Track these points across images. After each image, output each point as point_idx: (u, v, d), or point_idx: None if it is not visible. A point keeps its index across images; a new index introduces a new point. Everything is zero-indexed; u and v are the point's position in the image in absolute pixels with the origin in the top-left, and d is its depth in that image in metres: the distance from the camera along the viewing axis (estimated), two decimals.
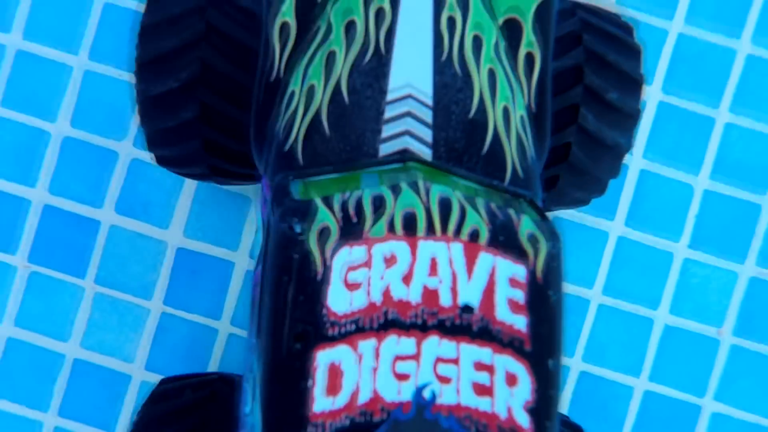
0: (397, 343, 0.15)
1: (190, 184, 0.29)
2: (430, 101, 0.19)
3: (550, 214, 0.29)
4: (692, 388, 0.29)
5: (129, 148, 0.29)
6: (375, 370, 0.15)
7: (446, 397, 0.15)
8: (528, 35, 0.21)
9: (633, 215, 0.29)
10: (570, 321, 0.29)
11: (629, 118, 0.23)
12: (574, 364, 0.29)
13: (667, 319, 0.29)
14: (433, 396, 0.15)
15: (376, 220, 0.16)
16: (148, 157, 0.29)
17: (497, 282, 0.16)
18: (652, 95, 0.29)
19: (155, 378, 0.28)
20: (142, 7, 0.29)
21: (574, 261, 0.29)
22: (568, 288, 0.29)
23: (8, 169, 0.29)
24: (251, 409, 0.17)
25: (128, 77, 0.29)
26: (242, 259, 0.29)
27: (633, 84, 0.23)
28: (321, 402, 0.15)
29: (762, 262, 0.29)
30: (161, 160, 0.23)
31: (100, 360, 0.29)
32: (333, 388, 0.15)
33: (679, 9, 0.30)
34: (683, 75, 0.30)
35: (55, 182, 0.29)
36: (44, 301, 0.29)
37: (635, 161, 0.29)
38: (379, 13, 0.19)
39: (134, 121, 0.29)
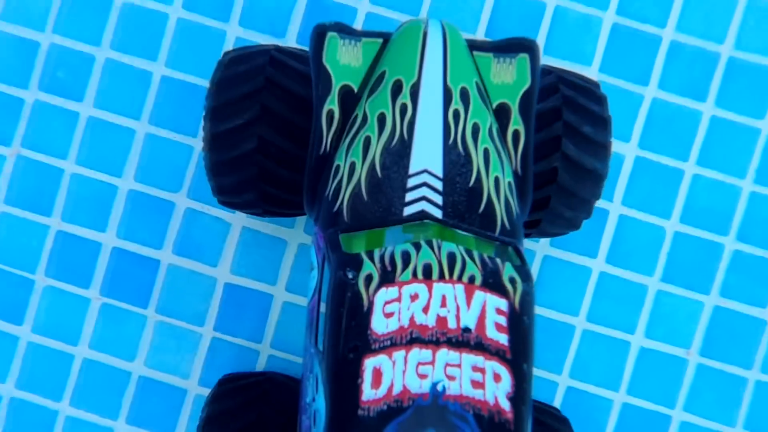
0: (419, 354, 0.21)
1: (235, 229, 0.34)
2: (440, 174, 0.24)
3: (543, 249, 0.34)
4: (664, 401, 0.34)
5: (184, 200, 0.34)
6: (404, 371, 0.20)
7: (453, 389, 0.20)
8: (515, 117, 0.26)
9: (612, 254, 0.34)
10: (558, 344, 0.34)
11: (602, 147, 0.28)
12: (562, 380, 0.34)
13: (642, 342, 0.34)
14: (444, 389, 0.20)
15: (404, 269, 0.21)
16: (200, 207, 0.34)
17: (487, 311, 0.21)
18: (629, 151, 0.34)
19: (207, 392, 0.34)
20: (194, 79, 0.34)
21: (562, 293, 0.34)
22: (558, 316, 0.34)
23: (84, 217, 0.34)
24: (313, 398, 0.23)
25: (183, 139, 0.34)
26: (280, 292, 0.34)
27: (602, 123, 0.28)
28: (368, 393, 0.20)
29: (724, 293, 0.34)
30: (221, 190, 0.28)
31: (161, 377, 0.34)
32: (376, 383, 0.20)
33: (653, 77, 0.34)
34: (656, 133, 0.34)
35: (123, 228, 0.34)
36: (114, 327, 0.34)
37: (615, 207, 0.34)
38: (403, 107, 0.24)
39: (188, 176, 0.34)
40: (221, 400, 0.28)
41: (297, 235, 0.34)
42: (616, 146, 0.34)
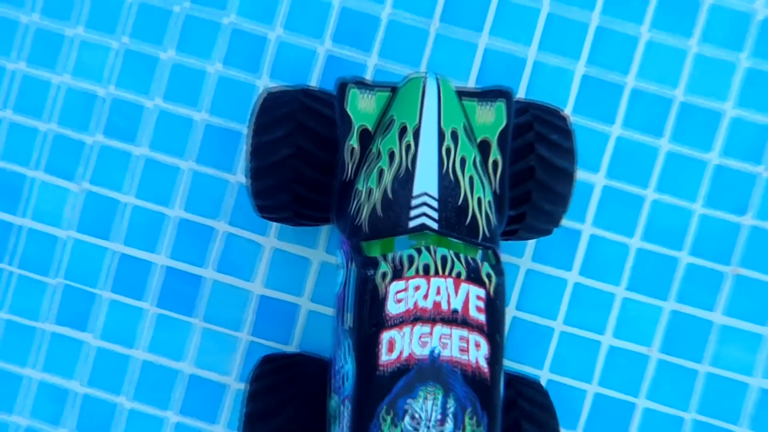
0: (421, 329, 0.27)
1: (267, 250, 0.40)
2: (436, 196, 0.31)
3: (526, 263, 0.40)
4: (629, 391, 0.41)
5: (224, 225, 0.40)
6: (410, 341, 0.27)
7: (445, 354, 0.27)
8: (494, 150, 0.32)
9: (585, 267, 0.41)
10: (539, 344, 0.40)
11: (569, 152, 0.34)
12: (543, 374, 0.41)
13: (611, 342, 0.41)
14: (439, 353, 0.27)
15: (409, 268, 0.28)
16: (237, 231, 0.40)
17: (470, 298, 0.28)
18: (598, 180, 0.41)
19: (244, 386, 0.40)
20: (231, 124, 0.40)
21: (542, 300, 0.41)
22: (539, 320, 0.40)
23: (140, 240, 0.40)
24: (344, 363, 0.29)
25: (222, 175, 0.40)
26: (305, 302, 0.40)
27: (567, 133, 0.34)
28: (384, 357, 0.27)
29: (680, 300, 0.41)
30: (262, 209, 0.34)
31: (206, 374, 0.40)
32: (390, 350, 0.27)
33: (618, 117, 0.41)
34: (621, 165, 0.41)
35: (173, 250, 0.40)
36: (166, 333, 0.40)
37: (586, 228, 0.41)
38: (408, 146, 0.31)
39: (227, 205, 0.40)
40: (263, 378, 0.34)
41: (319, 255, 0.40)
42: (588, 176, 0.40)
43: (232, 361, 0.40)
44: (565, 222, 0.41)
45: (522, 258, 0.41)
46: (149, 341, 0.40)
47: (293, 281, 0.40)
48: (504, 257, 0.40)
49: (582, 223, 0.41)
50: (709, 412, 0.40)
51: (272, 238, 0.40)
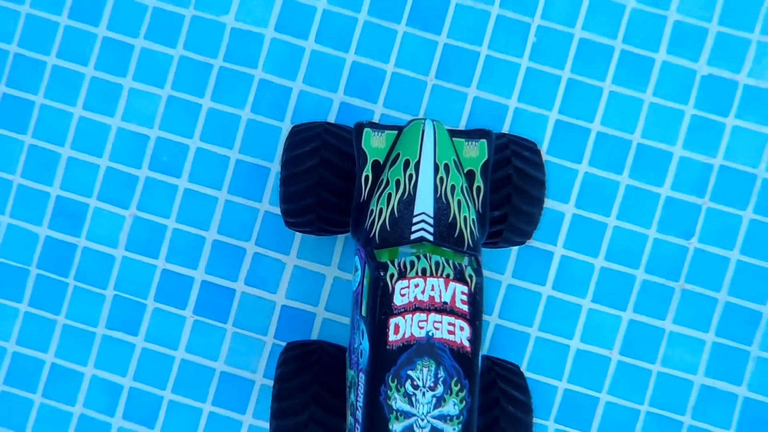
0: (419, 316, 0.35)
1: (289, 267, 0.48)
2: (432, 215, 0.38)
3: (507, 279, 0.48)
4: (594, 387, 0.48)
5: (253, 246, 0.48)
6: (411, 325, 0.35)
7: (437, 335, 0.35)
8: (478, 178, 0.40)
9: (557, 283, 0.48)
10: (518, 347, 0.48)
11: (539, 165, 0.42)
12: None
13: (579, 345, 0.48)
14: (432, 335, 0.35)
15: (411, 270, 0.36)
16: (264, 251, 0.48)
17: (456, 293, 0.36)
18: (568, 209, 0.48)
19: (271, 383, 0.48)
20: (259, 161, 0.48)
21: (521, 310, 0.48)
22: (518, 327, 0.48)
23: (181, 258, 0.48)
24: (360, 342, 0.37)
25: (252, 204, 0.48)
26: (321, 311, 0.48)
27: (537, 152, 0.42)
28: (392, 337, 0.35)
29: (636, 310, 0.48)
30: (288, 213, 0.41)
31: (237, 372, 0.48)
32: (396, 332, 0.35)
33: (585, 157, 0.48)
34: (588, 197, 0.48)
35: (209, 266, 0.48)
36: (203, 337, 0.48)
37: (558, 249, 0.48)
38: (410, 176, 0.39)
39: (256, 229, 0.48)
40: (289, 362, 0.42)
41: (333, 271, 0.48)
42: (559, 206, 0.48)
43: (258, 360, 0.48)
44: (540, 244, 0.48)
45: (504, 275, 0.48)
46: (188, 343, 0.48)
47: (311, 293, 0.48)
48: (488, 274, 0.48)
49: (554, 246, 0.48)
50: (660, 404, 0.48)
51: (293, 257, 0.48)
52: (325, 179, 0.40)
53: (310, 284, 0.48)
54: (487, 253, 0.48)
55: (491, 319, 0.48)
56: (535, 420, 0.48)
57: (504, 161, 0.41)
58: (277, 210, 0.48)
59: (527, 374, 0.48)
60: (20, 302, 0.48)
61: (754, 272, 0.47)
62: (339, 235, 0.48)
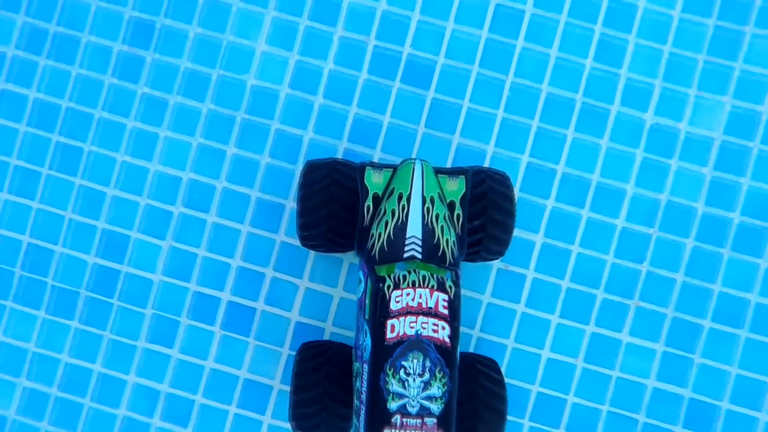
0: (410, 318, 0.44)
1: (302, 290, 0.56)
2: (420, 238, 0.46)
3: (487, 298, 0.56)
4: (562, 389, 0.56)
5: (271, 272, 0.56)
6: (404, 326, 0.43)
7: (424, 333, 0.43)
8: (457, 208, 0.48)
9: (530, 301, 0.57)
10: (497, 356, 0.56)
11: (508, 186, 0.50)
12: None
13: (549, 355, 0.56)
14: (420, 333, 0.43)
15: (404, 282, 0.44)
16: (282, 276, 0.56)
17: (439, 300, 0.44)
18: (538, 238, 0.57)
19: (287, 388, 0.56)
20: (277, 199, 0.57)
21: (499, 325, 0.56)
22: (496, 339, 0.56)
23: (210, 282, 0.56)
24: (363, 340, 0.45)
25: (270, 235, 0.56)
26: (329, 326, 0.56)
27: (506, 177, 0.50)
28: (388, 335, 0.43)
29: (598, 324, 0.56)
30: (304, 227, 0.49)
31: (258, 378, 0.56)
32: (391, 331, 0.43)
33: (552, 193, 0.57)
34: (554, 228, 0.57)
35: (234, 288, 0.56)
36: (229, 349, 0.56)
37: (530, 273, 0.57)
38: (403, 207, 0.47)
39: (273, 257, 0.56)
40: (305, 361, 0.50)
41: (339, 293, 0.56)
42: (530, 236, 0.57)
43: (276, 368, 0.56)
44: (514, 268, 0.57)
45: (484, 294, 0.57)
46: (216, 354, 0.56)
47: (320, 311, 0.56)
48: (471, 294, 0.56)
49: (527, 269, 0.57)
50: (619, 404, 0.56)
51: (306, 280, 0.56)
52: (334, 201, 0.48)
53: (320, 303, 0.56)
54: (469, 275, 0.56)
55: (474, 332, 0.56)
56: (512, 419, 0.56)
57: (481, 195, 0.49)
58: (291, 240, 0.56)
59: (506, 380, 0.56)
60: (72, 320, 0.56)
61: (697, 291, 0.56)
62: (344, 263, 0.56)
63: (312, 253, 0.56)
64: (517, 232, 0.56)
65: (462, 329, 0.55)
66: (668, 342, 0.56)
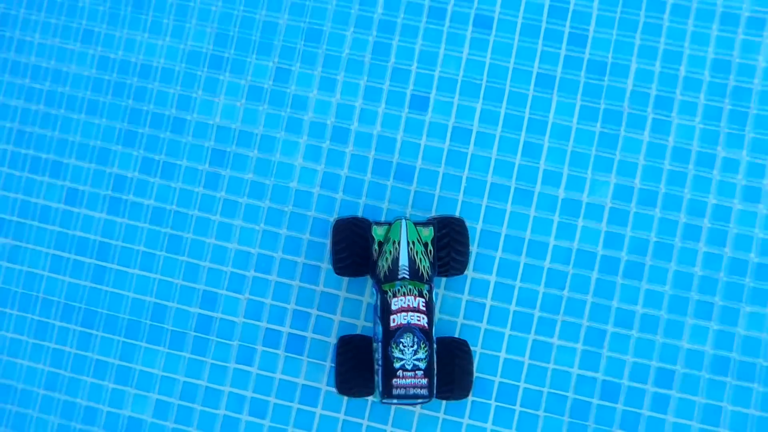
0: (405, 314, 0.72)
1: (336, 322, 0.84)
2: (407, 266, 0.75)
3: (461, 320, 0.84)
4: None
5: (315, 311, 0.85)
6: (400, 318, 0.71)
7: (413, 322, 0.70)
8: (429, 246, 0.77)
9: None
10: (474, 334, 0.84)
11: (465, 238, 0.78)
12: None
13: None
14: (410, 322, 0.71)
15: (399, 293, 0.72)
16: (323, 314, 0.85)
17: (420, 302, 0.71)
18: (497, 255, 0.85)
19: (331, 388, 0.84)
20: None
21: (474, 313, 0.84)
22: (474, 323, 0.84)
23: (276, 320, 0.85)
24: (377, 330, 0.74)
25: (313, 287, 0.85)
26: (362, 322, 0.84)
27: (462, 222, 0.79)
28: (392, 325, 0.71)
29: (537, 332, 0.84)
30: (337, 261, 0.78)
31: (311, 383, 0.84)
32: (394, 322, 0.71)
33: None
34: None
35: (292, 324, 0.85)
36: (292, 364, 0.84)
37: (492, 278, 0.84)
38: (396, 248, 0.75)
39: (316, 302, 0.85)
40: (342, 346, 0.78)
41: (362, 323, 0.84)
42: (491, 252, 0.84)
43: (323, 376, 0.84)
44: (473, 298, 0.84)
45: (463, 294, 0.84)
46: (282, 368, 0.84)
47: (352, 311, 0.84)
48: (453, 294, 0.84)
49: (490, 275, 0.85)
50: (553, 386, 0.83)
51: (338, 315, 0.84)
52: (354, 245, 0.77)
53: (350, 308, 0.85)
54: (450, 283, 0.84)
55: (458, 320, 0.84)
56: (481, 375, 0.83)
57: (444, 235, 0.78)
58: (328, 290, 0.85)
59: (480, 350, 0.84)
60: (185, 352, 0.85)
61: (600, 307, 0.84)
62: (366, 291, 0.84)
63: (342, 296, 0.85)
64: (480, 251, 0.84)
65: (447, 317, 0.83)
66: (585, 343, 0.83)
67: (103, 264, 0.87)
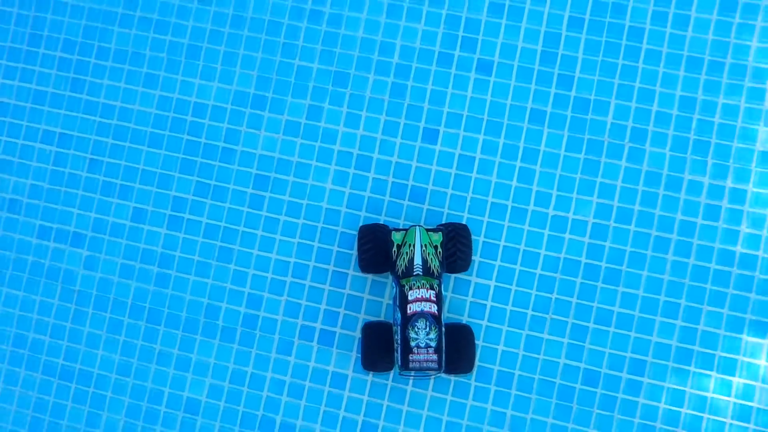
0: (419, 303, 0.88)
1: (360, 320, 1.00)
2: (421, 265, 0.91)
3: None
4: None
5: (344, 310, 1.01)
6: (415, 306, 0.88)
7: (426, 309, 0.87)
8: (439, 248, 0.93)
9: (490, 318, 1.00)
10: (480, 312, 0.99)
11: (468, 242, 0.95)
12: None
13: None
14: (424, 309, 0.88)
15: (415, 285, 0.89)
16: (349, 312, 1.01)
17: (431, 294, 0.88)
18: (500, 244, 1.00)
19: (357, 374, 1.00)
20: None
21: (480, 292, 1.00)
22: (480, 301, 1.00)
23: (310, 317, 1.01)
24: (397, 316, 0.90)
25: (340, 290, 1.01)
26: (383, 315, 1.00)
27: (467, 228, 0.95)
28: (408, 312, 0.87)
29: (530, 329, 1.00)
30: (363, 260, 0.95)
31: (340, 371, 1.00)
32: (410, 310, 0.87)
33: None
34: (504, 273, 1.01)
35: (323, 322, 1.01)
36: (323, 354, 1.01)
37: (497, 262, 1.00)
38: (411, 250, 0.91)
39: (343, 302, 1.01)
40: (366, 330, 0.94)
41: (374, 298, 1.01)
42: (495, 241, 1.00)
43: (349, 364, 1.00)
44: (475, 299, 1.00)
45: (472, 276, 1.00)
46: (316, 358, 1.01)
47: (375, 310, 1.01)
48: (462, 276, 1.00)
49: (495, 261, 1.00)
50: (544, 374, 0.99)
51: (362, 314, 1.01)
52: (375, 248, 0.94)
53: (373, 305, 1.01)
54: (464, 274, 1.00)
55: (467, 299, 1.00)
56: (484, 365, 0.99)
57: (451, 239, 0.94)
58: (354, 292, 1.01)
59: (482, 343, 0.99)
60: (234, 344, 1.02)
61: (584, 307, 0.99)
62: (387, 286, 1.01)
63: (365, 297, 1.01)
64: (482, 259, 1.00)
65: (454, 316, 0.98)
66: (570, 337, 0.99)
67: (165, 271, 1.04)
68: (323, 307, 1.02)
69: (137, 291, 1.04)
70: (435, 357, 0.86)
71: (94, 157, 1.08)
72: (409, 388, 0.99)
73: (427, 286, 0.89)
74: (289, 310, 1.02)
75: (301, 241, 1.03)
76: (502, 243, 1.01)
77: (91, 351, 1.04)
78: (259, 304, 1.02)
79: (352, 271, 1.01)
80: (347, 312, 1.01)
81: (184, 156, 1.06)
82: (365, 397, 0.99)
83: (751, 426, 0.95)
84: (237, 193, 1.04)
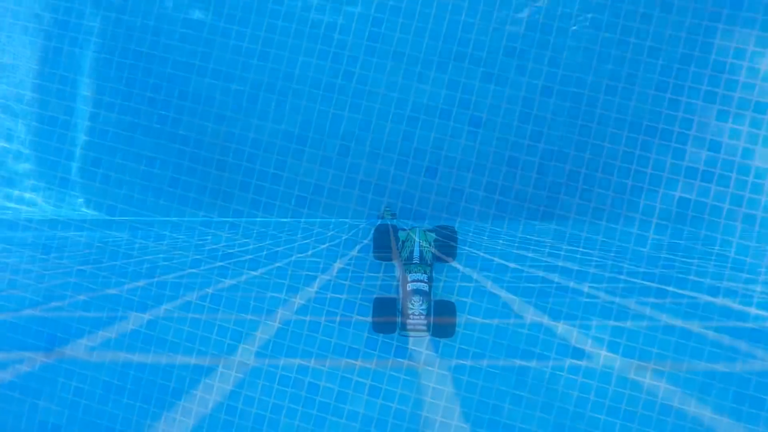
0: (416, 283, 1.19)
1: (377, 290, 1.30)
2: (418, 256, 1.24)
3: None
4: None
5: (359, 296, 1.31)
6: (414, 285, 1.19)
7: (420, 288, 1.21)
8: (432, 244, 1.25)
9: (469, 312, 1.30)
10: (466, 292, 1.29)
11: (455, 240, 1.26)
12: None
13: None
14: (419, 288, 1.19)
15: (413, 270, 1.21)
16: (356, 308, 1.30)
17: (424, 277, 1.20)
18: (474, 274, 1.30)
19: (375, 336, 1.29)
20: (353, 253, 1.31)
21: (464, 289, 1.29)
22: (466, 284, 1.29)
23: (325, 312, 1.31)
24: (399, 291, 1.20)
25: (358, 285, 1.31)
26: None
27: (452, 229, 1.27)
28: (409, 289, 1.19)
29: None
30: (376, 250, 1.27)
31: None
32: (409, 288, 1.19)
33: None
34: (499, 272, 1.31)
35: (344, 310, 1.31)
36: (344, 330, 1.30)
37: (480, 253, 1.30)
38: (412, 245, 1.24)
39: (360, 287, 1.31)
40: (377, 303, 1.24)
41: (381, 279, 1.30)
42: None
43: (363, 340, 1.29)
44: (466, 299, 1.30)
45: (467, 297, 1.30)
46: (337, 335, 1.30)
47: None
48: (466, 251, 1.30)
49: (479, 251, 1.30)
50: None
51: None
52: (385, 242, 1.25)
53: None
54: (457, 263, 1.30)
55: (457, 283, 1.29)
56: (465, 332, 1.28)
57: (441, 236, 1.26)
58: (371, 273, 1.31)
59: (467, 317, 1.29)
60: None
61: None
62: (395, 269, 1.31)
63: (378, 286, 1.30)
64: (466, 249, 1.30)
65: (450, 280, 1.28)
66: (535, 314, 1.29)
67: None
68: (347, 283, 1.32)
69: None
70: (425, 322, 1.16)
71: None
72: (410, 347, 1.28)
73: (422, 271, 1.19)
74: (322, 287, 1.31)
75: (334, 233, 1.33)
76: (484, 242, 1.32)
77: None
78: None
79: (371, 258, 1.33)
80: (366, 286, 1.32)
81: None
82: (376, 352, 1.28)
83: None
84: (282, 209, 1.35)
